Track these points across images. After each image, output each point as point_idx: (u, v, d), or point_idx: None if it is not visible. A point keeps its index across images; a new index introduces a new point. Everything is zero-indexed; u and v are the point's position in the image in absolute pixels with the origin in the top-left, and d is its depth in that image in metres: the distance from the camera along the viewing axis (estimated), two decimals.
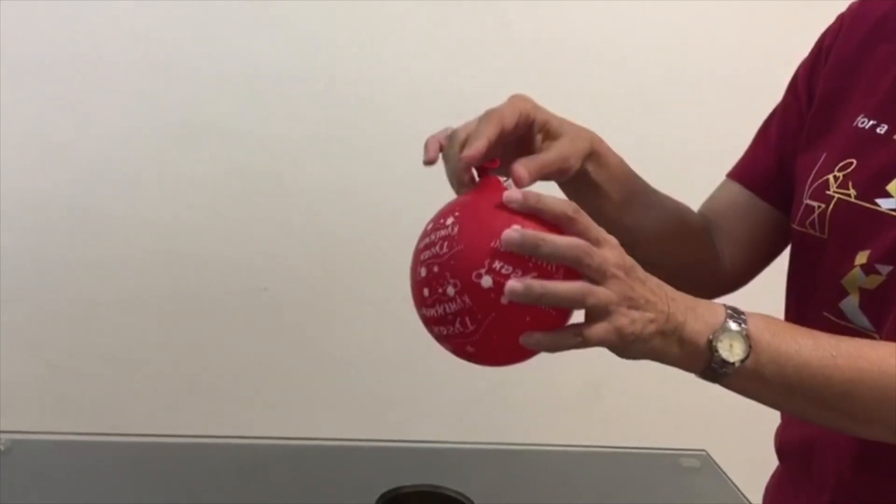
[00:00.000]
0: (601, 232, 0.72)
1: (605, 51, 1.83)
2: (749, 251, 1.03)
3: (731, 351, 0.73)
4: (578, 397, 1.96)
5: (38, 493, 1.12)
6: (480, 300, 0.71)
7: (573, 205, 0.72)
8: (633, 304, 0.71)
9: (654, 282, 0.74)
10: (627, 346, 0.73)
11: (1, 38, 1.67)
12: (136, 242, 1.79)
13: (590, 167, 0.88)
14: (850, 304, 0.87)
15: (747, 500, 1.23)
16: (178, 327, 1.84)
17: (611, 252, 0.72)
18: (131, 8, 1.70)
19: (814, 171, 0.93)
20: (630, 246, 0.91)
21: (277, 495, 1.16)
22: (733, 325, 0.74)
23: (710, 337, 0.73)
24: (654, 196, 0.99)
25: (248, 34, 1.75)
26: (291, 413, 1.87)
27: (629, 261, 0.73)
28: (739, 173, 1.04)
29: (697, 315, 0.74)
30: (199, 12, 1.72)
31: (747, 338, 0.74)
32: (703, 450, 1.37)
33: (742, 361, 0.73)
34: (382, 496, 0.89)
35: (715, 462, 1.35)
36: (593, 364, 1.99)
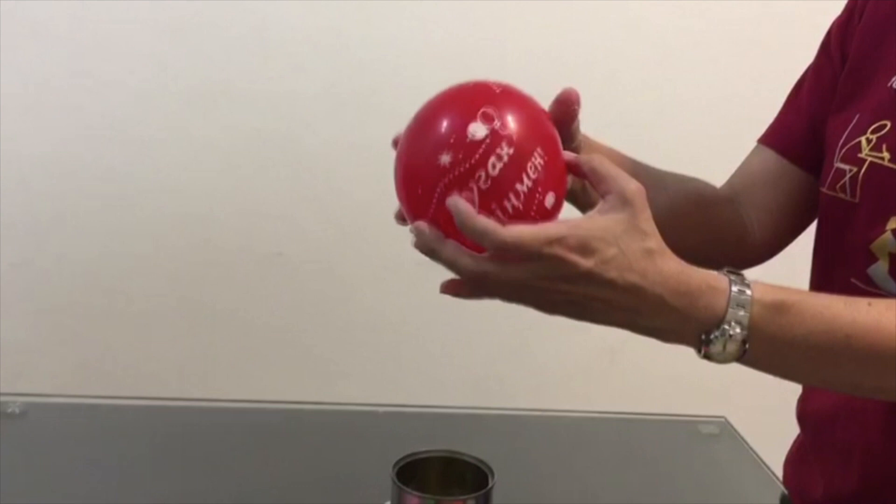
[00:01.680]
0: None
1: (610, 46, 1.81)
2: (781, 219, 1.00)
3: (725, 351, 0.69)
4: (595, 363, 1.95)
5: (53, 455, 1.13)
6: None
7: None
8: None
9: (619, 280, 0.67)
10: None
11: (15, 3, 1.66)
12: (151, 206, 1.79)
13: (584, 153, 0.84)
14: (880, 270, 0.85)
15: (767, 466, 1.22)
16: (193, 292, 1.84)
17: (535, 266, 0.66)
18: None
19: (846, 133, 0.90)
20: None
21: (292, 460, 1.16)
22: (732, 328, 0.68)
23: (702, 337, 0.69)
24: (661, 175, 0.96)
25: (261, 3, 1.73)
26: (307, 378, 1.87)
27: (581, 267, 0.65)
28: (770, 138, 1.02)
29: (687, 315, 0.68)
30: None
31: (745, 341, 0.68)
32: (722, 416, 1.36)
33: (737, 357, 0.70)
34: (399, 462, 0.89)
35: (734, 429, 1.34)
36: (608, 329, 1.99)
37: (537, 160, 0.69)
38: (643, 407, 1.39)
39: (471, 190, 0.68)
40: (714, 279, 0.70)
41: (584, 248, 0.66)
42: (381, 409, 1.31)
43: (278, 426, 1.25)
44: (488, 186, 0.68)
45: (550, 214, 0.70)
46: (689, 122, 1.86)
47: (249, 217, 1.82)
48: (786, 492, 1.05)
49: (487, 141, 0.68)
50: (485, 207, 0.68)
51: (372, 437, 1.22)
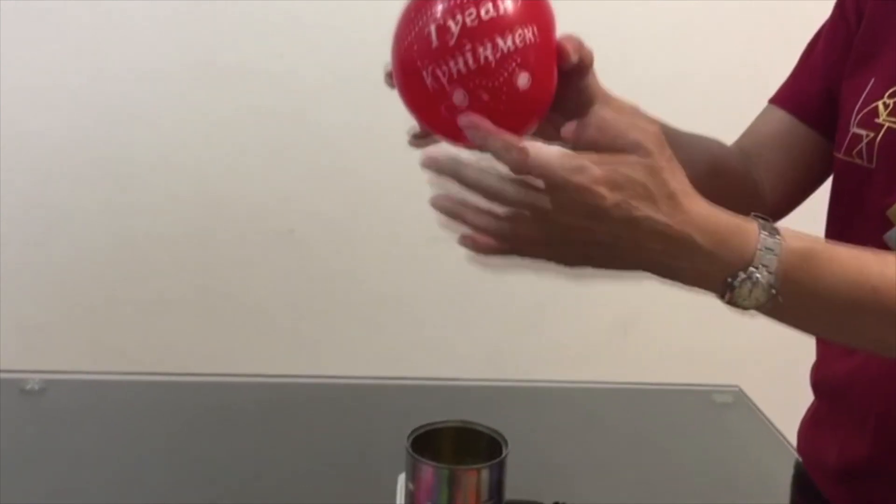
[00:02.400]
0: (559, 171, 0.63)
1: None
2: (791, 181, 0.99)
3: (750, 296, 0.67)
4: (608, 335, 1.96)
5: (72, 432, 1.14)
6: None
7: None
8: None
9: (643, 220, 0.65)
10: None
11: None
12: (163, 185, 1.79)
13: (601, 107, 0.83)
14: (895, 236, 0.85)
15: (781, 435, 1.22)
16: (206, 269, 1.85)
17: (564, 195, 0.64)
18: None
19: (861, 98, 0.89)
20: None
21: (309, 433, 1.17)
22: (760, 272, 0.66)
23: (728, 280, 0.67)
24: (677, 135, 0.93)
25: None
26: (321, 353, 1.88)
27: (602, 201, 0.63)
28: (782, 98, 1.00)
29: (715, 256, 0.67)
30: None
31: (771, 286, 0.67)
32: (735, 385, 1.36)
33: (762, 304, 0.68)
34: (413, 432, 0.89)
35: (748, 397, 1.34)
36: (623, 300, 2.00)
37: (525, 32, 0.69)
38: (657, 378, 1.39)
39: (453, 21, 0.68)
40: (744, 221, 0.69)
41: (612, 182, 0.64)
42: (394, 382, 1.32)
43: (293, 401, 1.26)
44: (472, 26, 0.68)
45: (519, 95, 0.70)
46: (696, 85, 1.84)
47: (261, 195, 1.83)
48: (800, 459, 1.05)
49: None
50: (458, 46, 0.68)
51: (387, 409, 1.23)
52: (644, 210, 0.65)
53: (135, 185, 1.79)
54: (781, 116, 0.99)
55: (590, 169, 0.64)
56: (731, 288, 0.67)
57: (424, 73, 0.70)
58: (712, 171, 0.96)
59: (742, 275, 0.67)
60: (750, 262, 0.67)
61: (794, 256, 0.68)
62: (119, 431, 1.15)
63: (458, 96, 0.70)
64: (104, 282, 1.82)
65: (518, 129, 0.75)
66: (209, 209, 1.82)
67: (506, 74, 0.69)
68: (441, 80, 0.70)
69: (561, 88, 0.80)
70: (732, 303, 0.68)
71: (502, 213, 0.67)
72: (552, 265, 0.69)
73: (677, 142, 0.93)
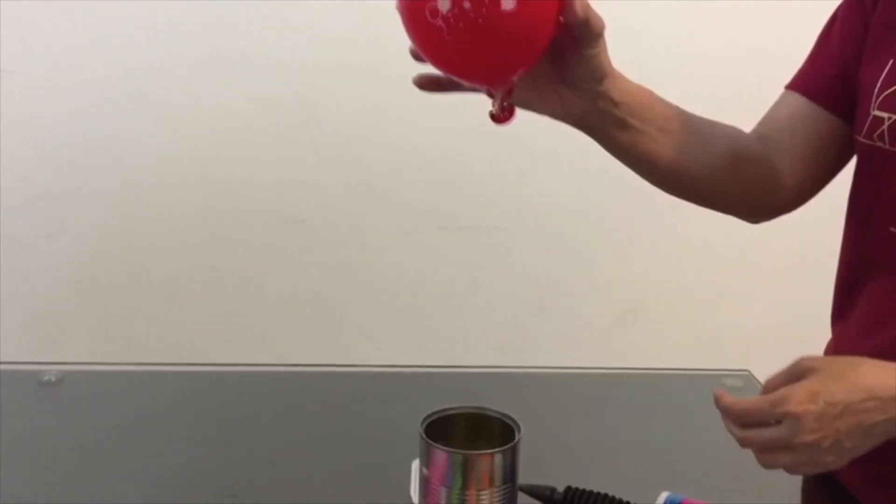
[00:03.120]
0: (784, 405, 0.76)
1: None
2: (812, 166, 0.98)
3: None
4: (618, 321, 1.96)
5: (89, 422, 1.15)
6: None
7: None
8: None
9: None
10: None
11: None
12: (173, 175, 1.80)
13: (611, 88, 0.84)
14: None
15: None
16: (219, 260, 1.86)
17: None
18: None
19: (881, 80, 0.88)
20: (674, 176, 0.91)
21: (323, 421, 1.18)
22: None
23: None
24: (698, 125, 0.94)
25: None
26: (335, 341, 1.89)
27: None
28: (799, 83, 0.99)
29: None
30: None
31: None
32: (745, 369, 1.37)
33: None
34: (427, 418, 0.90)
35: (758, 381, 1.34)
36: (632, 287, 2.00)
37: None
38: (667, 363, 1.40)
39: None
40: None
41: (811, 397, 0.75)
42: (407, 370, 1.33)
43: (308, 388, 1.27)
44: None
45: (501, 14, 0.70)
46: (711, 70, 1.84)
47: (272, 185, 1.84)
48: None
49: None
50: None
51: (400, 397, 1.23)
52: (842, 395, 0.76)
53: (147, 176, 1.80)
54: (799, 101, 0.98)
55: (792, 395, 0.76)
56: None
57: None
58: (732, 157, 0.96)
59: None
60: None
61: None
62: (135, 422, 1.16)
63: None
64: (118, 273, 1.84)
65: (501, 59, 0.75)
66: (221, 200, 1.83)
67: None
68: None
69: (568, 57, 0.80)
70: None
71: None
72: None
73: (696, 128, 0.94)
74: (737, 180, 0.97)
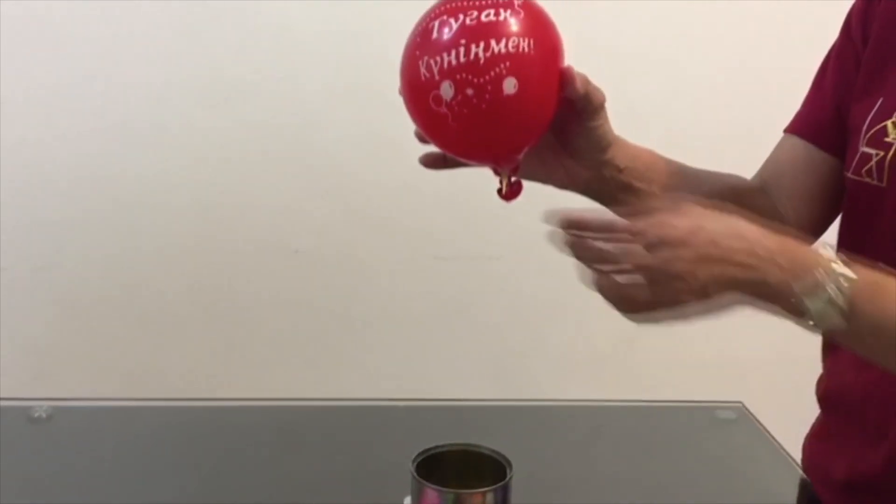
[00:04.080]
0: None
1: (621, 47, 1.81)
2: (815, 207, 0.98)
3: (823, 317, 0.72)
4: (612, 351, 1.96)
5: (80, 458, 1.15)
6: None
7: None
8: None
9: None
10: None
11: (24, 2, 1.68)
12: (168, 209, 1.80)
13: (615, 156, 0.86)
14: None
15: (785, 450, 1.22)
16: (213, 292, 1.85)
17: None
18: None
19: (870, 117, 0.89)
20: None
21: (314, 456, 1.18)
22: (830, 292, 0.71)
23: (802, 299, 0.71)
24: (696, 172, 0.96)
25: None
26: (327, 374, 1.88)
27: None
28: (797, 126, 1.00)
29: (789, 272, 0.71)
30: None
31: (844, 308, 0.71)
32: (739, 401, 1.37)
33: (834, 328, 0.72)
34: (418, 456, 0.90)
35: (751, 413, 1.34)
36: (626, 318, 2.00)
37: (521, 42, 0.73)
38: (661, 394, 1.40)
39: (454, 19, 0.73)
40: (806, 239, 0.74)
41: (687, 222, 0.72)
42: (399, 404, 1.32)
43: (299, 423, 1.27)
44: (471, 25, 0.72)
45: (503, 99, 0.73)
46: (701, 115, 1.85)
47: (265, 216, 1.84)
48: (805, 477, 1.05)
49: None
50: (454, 41, 0.72)
51: (391, 431, 1.23)
52: (713, 223, 0.72)
53: (141, 208, 1.80)
54: (797, 144, 0.99)
55: (666, 219, 0.72)
56: (804, 310, 0.72)
57: (420, 63, 0.74)
58: (736, 207, 0.97)
59: (812, 280, 0.71)
60: (819, 271, 0.72)
61: (865, 286, 0.73)
62: (127, 458, 1.15)
63: (445, 87, 0.73)
64: (110, 306, 1.83)
65: (505, 140, 0.77)
66: (214, 230, 1.83)
67: (492, 74, 0.72)
68: (433, 70, 0.73)
69: (571, 129, 0.82)
70: (804, 323, 0.73)
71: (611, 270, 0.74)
72: (668, 312, 0.73)
73: (700, 184, 0.95)
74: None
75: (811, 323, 0.73)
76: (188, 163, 1.80)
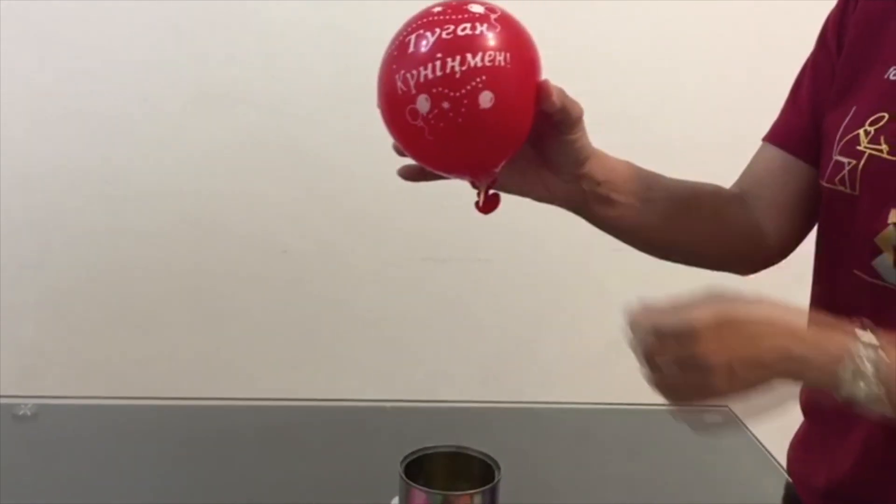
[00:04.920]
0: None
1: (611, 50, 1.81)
2: (792, 216, 1.00)
3: (860, 398, 0.74)
4: (601, 354, 1.96)
5: (65, 457, 1.14)
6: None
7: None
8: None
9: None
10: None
11: (17, 5, 1.67)
12: (157, 210, 1.80)
13: (593, 169, 0.87)
14: (884, 262, 0.86)
15: (771, 455, 1.22)
16: (200, 291, 1.85)
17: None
18: None
19: (843, 125, 0.91)
20: (662, 243, 0.95)
21: (301, 457, 1.17)
22: (865, 381, 0.73)
23: (841, 385, 0.74)
24: (672, 182, 0.97)
25: (263, 2, 1.74)
26: (314, 375, 1.88)
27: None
28: (774, 135, 1.02)
29: (826, 361, 0.74)
30: None
31: (881, 393, 0.73)
32: (725, 405, 1.37)
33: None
34: (406, 457, 0.90)
35: (738, 417, 1.34)
36: (615, 320, 2.00)
37: (497, 56, 0.73)
38: (649, 397, 1.39)
39: (431, 33, 0.73)
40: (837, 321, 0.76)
41: (712, 312, 0.73)
42: (388, 405, 1.32)
43: (286, 424, 1.26)
44: (447, 39, 0.73)
45: (479, 113, 0.73)
46: (690, 122, 1.86)
47: (254, 216, 1.84)
48: (790, 480, 1.06)
49: (478, 13, 0.74)
50: (430, 55, 0.72)
51: (379, 432, 1.23)
52: (740, 312, 0.74)
53: (129, 208, 1.79)
54: (775, 153, 1.00)
55: (695, 307, 0.75)
56: (841, 380, 0.74)
57: (397, 77, 0.74)
58: (717, 219, 0.98)
59: (849, 364, 0.73)
60: (854, 359, 0.74)
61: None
62: (113, 457, 1.14)
63: (422, 101, 0.73)
64: (96, 305, 1.82)
65: (482, 153, 0.77)
66: (202, 230, 1.83)
67: (468, 88, 0.72)
68: (409, 83, 0.73)
69: (550, 143, 0.83)
70: (848, 395, 0.74)
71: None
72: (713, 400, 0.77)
73: (679, 194, 0.96)
74: (723, 241, 0.99)
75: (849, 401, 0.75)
76: (178, 164, 1.79)
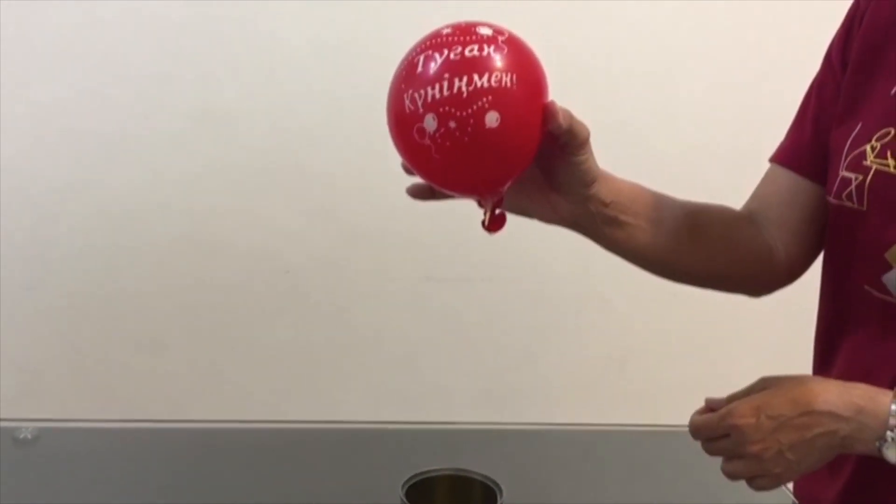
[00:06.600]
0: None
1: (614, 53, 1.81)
2: (803, 236, 0.99)
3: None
4: (603, 373, 1.96)
5: (66, 480, 1.13)
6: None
7: None
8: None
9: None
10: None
11: (19, 23, 1.68)
12: (158, 228, 1.80)
13: (600, 190, 0.87)
14: (894, 277, 0.86)
15: None
16: (201, 312, 1.85)
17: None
18: None
19: (849, 141, 0.91)
20: (671, 265, 0.95)
21: (301, 480, 1.17)
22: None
23: (878, 445, 0.79)
24: (682, 203, 0.97)
25: (264, 17, 1.74)
26: (315, 396, 1.87)
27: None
28: (780, 156, 1.02)
29: (863, 425, 0.79)
30: None
31: None
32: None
33: None
34: (407, 481, 0.89)
35: None
36: (617, 339, 2.00)
37: (504, 77, 0.74)
38: (652, 418, 1.39)
39: (439, 54, 0.75)
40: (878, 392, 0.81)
41: (753, 411, 0.80)
42: (389, 427, 1.32)
43: (287, 445, 1.26)
44: (455, 60, 0.74)
45: (485, 132, 0.74)
46: (696, 144, 1.85)
47: (256, 236, 1.83)
48: (796, 501, 1.05)
49: (486, 35, 0.76)
50: (438, 76, 0.74)
51: (380, 454, 1.22)
52: (785, 409, 0.80)
53: (130, 228, 1.79)
54: (782, 174, 1.00)
55: (736, 408, 0.82)
56: (881, 449, 0.80)
57: (405, 96, 0.75)
58: (726, 241, 0.98)
59: (890, 434, 0.79)
60: (892, 425, 0.79)
61: None
62: (113, 480, 1.14)
63: (429, 120, 0.74)
64: (97, 327, 1.82)
65: (488, 172, 0.77)
66: (203, 252, 1.82)
67: (475, 107, 0.73)
68: (417, 103, 0.75)
69: (556, 164, 0.83)
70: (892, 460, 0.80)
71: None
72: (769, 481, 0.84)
73: (687, 216, 0.97)
74: (733, 262, 0.99)
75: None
76: (179, 182, 1.79)
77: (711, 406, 0.86)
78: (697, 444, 1.32)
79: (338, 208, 1.85)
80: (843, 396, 0.80)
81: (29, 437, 1.20)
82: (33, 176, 1.75)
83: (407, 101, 0.75)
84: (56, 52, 1.71)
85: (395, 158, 0.83)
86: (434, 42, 0.76)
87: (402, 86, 0.76)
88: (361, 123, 1.78)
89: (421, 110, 0.74)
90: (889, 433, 0.78)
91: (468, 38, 0.75)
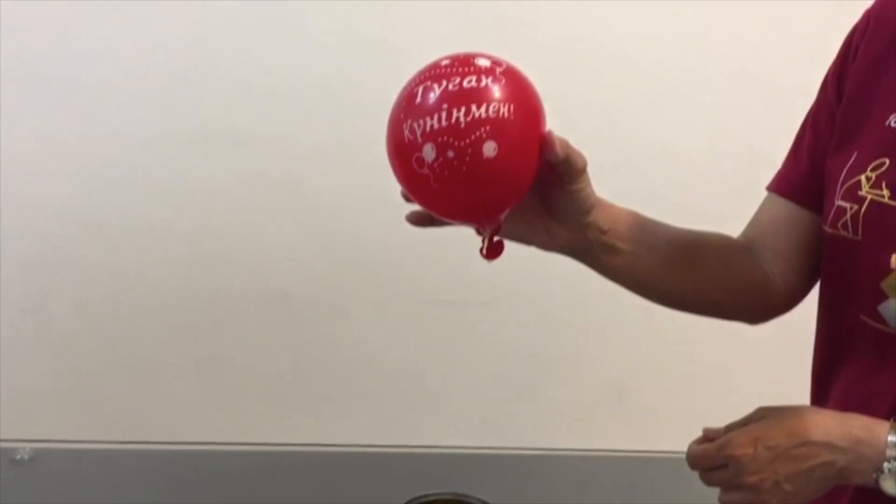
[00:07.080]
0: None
1: (623, 49, 1.82)
2: (800, 264, 1.00)
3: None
4: (602, 400, 1.95)
5: (62, 501, 1.13)
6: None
7: None
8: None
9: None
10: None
11: (18, 44, 1.69)
12: (157, 249, 1.80)
13: (598, 218, 0.88)
14: (891, 307, 0.86)
15: None
16: (200, 334, 1.84)
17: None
18: (147, 13, 1.71)
19: (845, 171, 0.91)
20: (669, 292, 0.96)
21: (303, 502, 1.16)
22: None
23: (874, 476, 0.79)
24: (679, 231, 0.98)
25: (265, 39, 1.75)
26: (314, 420, 1.86)
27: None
28: (777, 184, 1.03)
29: (860, 456, 0.79)
30: (215, 18, 1.73)
31: None
32: None
33: None
34: None
35: None
36: (616, 365, 1.99)
37: (502, 108, 0.76)
38: (651, 444, 1.39)
39: (438, 85, 0.76)
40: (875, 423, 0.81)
41: (750, 441, 0.81)
42: (388, 451, 1.31)
43: (285, 469, 1.25)
44: (453, 91, 0.76)
45: (483, 162, 0.75)
46: (693, 173, 1.86)
47: (255, 259, 1.83)
48: None
49: (484, 66, 0.78)
50: (436, 106, 0.75)
51: (379, 478, 1.22)
52: (781, 439, 0.81)
53: (130, 252, 1.79)
54: (779, 203, 1.01)
55: (734, 439, 0.83)
56: (878, 480, 0.80)
57: (404, 126, 0.77)
58: (724, 268, 0.99)
59: (887, 465, 0.79)
60: (889, 456, 0.79)
61: None
62: (110, 501, 1.13)
63: (427, 149, 0.76)
64: (96, 349, 1.82)
65: (486, 201, 0.79)
66: (204, 274, 1.82)
67: (473, 137, 0.75)
68: (416, 133, 0.76)
69: (554, 192, 0.84)
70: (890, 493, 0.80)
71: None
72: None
73: (685, 244, 0.98)
74: (731, 290, 1.00)
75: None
76: (179, 208, 1.79)
77: (709, 436, 0.86)
78: (695, 473, 1.32)
79: (337, 232, 1.85)
80: (840, 427, 0.80)
81: (26, 457, 1.20)
82: (33, 200, 1.75)
83: (406, 131, 0.77)
84: (55, 77, 1.71)
85: (395, 184, 0.84)
86: (433, 73, 0.78)
87: (402, 115, 0.78)
88: (363, 150, 1.78)
89: (420, 140, 0.76)
90: (886, 464, 0.78)
91: (466, 69, 0.77)
